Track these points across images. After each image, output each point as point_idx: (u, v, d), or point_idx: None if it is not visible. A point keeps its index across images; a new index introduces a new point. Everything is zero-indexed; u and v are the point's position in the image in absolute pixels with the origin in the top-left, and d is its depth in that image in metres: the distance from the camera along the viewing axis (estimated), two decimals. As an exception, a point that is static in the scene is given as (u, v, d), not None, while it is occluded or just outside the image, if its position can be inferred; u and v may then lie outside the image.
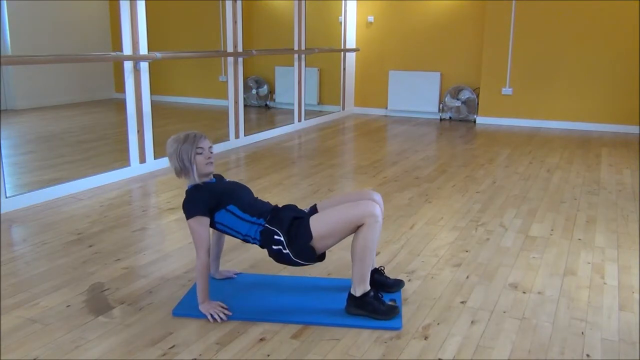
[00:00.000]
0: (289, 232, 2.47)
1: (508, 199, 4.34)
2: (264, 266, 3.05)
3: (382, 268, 2.76)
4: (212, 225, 2.56)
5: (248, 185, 2.85)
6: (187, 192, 2.58)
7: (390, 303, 2.58)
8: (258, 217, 2.53)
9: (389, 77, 8.63)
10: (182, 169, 2.55)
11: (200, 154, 2.54)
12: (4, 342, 2.29)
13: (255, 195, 2.70)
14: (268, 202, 2.66)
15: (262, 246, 2.55)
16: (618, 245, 3.40)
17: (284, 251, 2.47)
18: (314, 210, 2.62)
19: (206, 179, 2.61)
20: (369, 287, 2.50)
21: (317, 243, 2.45)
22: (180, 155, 2.52)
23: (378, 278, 2.70)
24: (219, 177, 2.72)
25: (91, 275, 2.93)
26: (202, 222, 2.48)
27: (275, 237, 2.47)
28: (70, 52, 7.65)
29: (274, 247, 2.49)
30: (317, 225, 2.44)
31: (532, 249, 3.33)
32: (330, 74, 8.60)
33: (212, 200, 2.51)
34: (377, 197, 2.62)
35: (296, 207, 2.66)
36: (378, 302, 2.48)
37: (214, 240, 2.79)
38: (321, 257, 2.54)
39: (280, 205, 2.65)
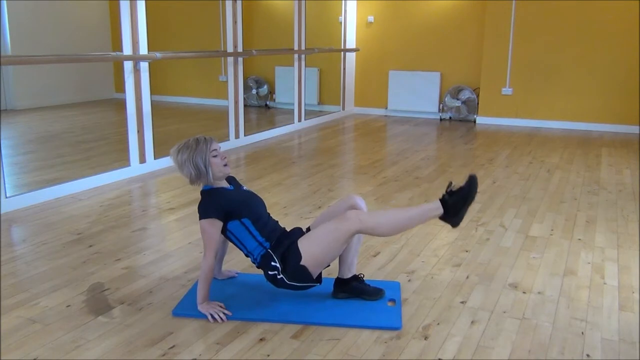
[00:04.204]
0: (282, 257, 2.49)
1: (508, 199, 4.34)
2: (264, 266, 3.05)
3: (362, 275, 2.69)
4: (223, 231, 2.56)
5: (248, 186, 2.85)
6: (202, 193, 2.57)
7: (389, 304, 2.59)
8: (266, 239, 2.54)
9: (389, 77, 8.63)
10: (197, 175, 2.52)
11: (216, 156, 2.53)
12: (4, 342, 2.29)
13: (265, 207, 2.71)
14: (277, 223, 2.66)
15: (258, 267, 2.58)
16: (618, 245, 3.40)
17: (278, 276, 2.49)
18: (308, 232, 2.64)
19: (222, 183, 2.61)
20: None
21: (309, 262, 2.46)
22: (195, 160, 2.49)
23: (357, 286, 2.64)
24: (235, 182, 2.72)
25: (91, 275, 2.93)
26: (214, 225, 2.47)
27: (272, 263, 2.49)
28: (70, 52, 7.65)
29: (270, 272, 2.51)
30: (306, 245, 2.47)
31: (532, 249, 3.33)
32: (330, 74, 8.60)
33: (229, 207, 2.51)
34: (359, 200, 2.62)
35: (300, 230, 2.65)
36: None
37: (219, 243, 2.79)
38: (318, 279, 2.54)
39: (288, 230, 2.67)
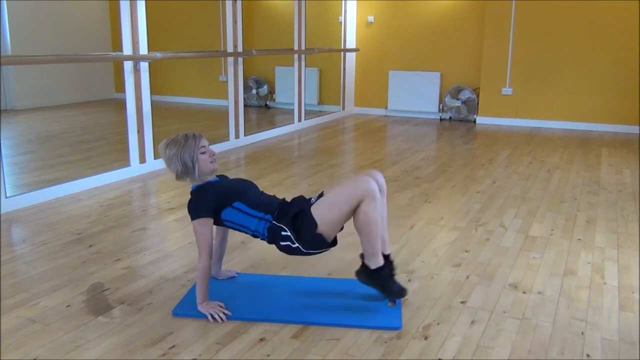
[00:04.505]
0: (293, 226, 2.47)
1: (508, 199, 4.34)
2: (264, 266, 3.05)
3: (392, 259, 2.63)
4: (221, 223, 2.56)
5: (248, 185, 2.83)
6: (191, 193, 2.58)
7: (389, 304, 2.58)
8: (265, 213, 2.53)
9: (389, 77, 8.63)
10: (184, 171, 2.53)
11: (204, 153, 2.54)
12: (4, 342, 2.29)
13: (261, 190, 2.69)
14: (274, 196, 2.65)
15: (269, 242, 2.55)
16: (618, 245, 3.40)
17: (293, 245, 2.47)
18: (320, 197, 2.59)
19: (210, 178, 2.61)
20: (382, 262, 2.51)
21: (324, 229, 2.45)
22: (183, 156, 2.50)
23: (384, 276, 2.56)
24: (222, 177, 2.72)
25: (91, 275, 2.93)
26: (206, 224, 2.48)
27: (283, 233, 2.48)
28: (70, 52, 7.65)
29: (282, 242, 2.49)
30: (320, 212, 2.45)
31: (532, 249, 3.33)
32: (330, 74, 8.60)
33: (217, 199, 2.51)
34: (377, 174, 2.59)
35: (304, 198, 2.63)
36: (390, 281, 2.54)
37: (217, 242, 2.79)
38: (333, 242, 2.54)
39: (288, 199, 2.64)
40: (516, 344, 2.30)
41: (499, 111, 8.01)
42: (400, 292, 2.56)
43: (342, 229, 2.54)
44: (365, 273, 2.56)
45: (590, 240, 3.48)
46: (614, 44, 7.27)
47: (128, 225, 3.71)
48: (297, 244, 2.47)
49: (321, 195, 2.60)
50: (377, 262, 2.51)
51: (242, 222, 2.54)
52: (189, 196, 2.58)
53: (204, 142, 2.56)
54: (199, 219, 2.47)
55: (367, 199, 2.39)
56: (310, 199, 2.60)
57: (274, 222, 2.51)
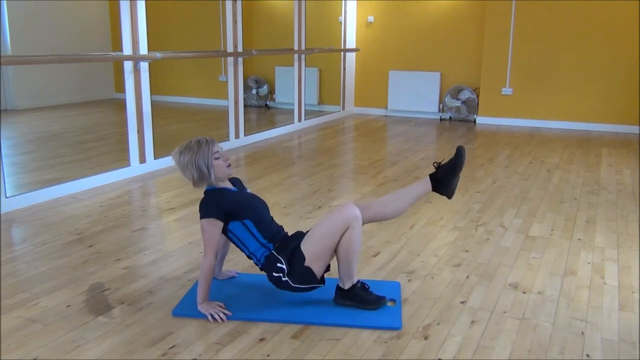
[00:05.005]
0: (290, 260, 2.49)
1: (508, 199, 4.34)
2: (264, 266, 3.05)
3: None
4: (224, 232, 2.56)
5: (248, 185, 2.85)
6: (206, 192, 2.57)
7: (389, 304, 2.59)
8: (269, 241, 2.54)
9: (389, 77, 8.63)
10: (200, 177, 2.52)
11: (218, 158, 2.53)
12: (4, 342, 2.29)
13: (270, 212, 2.70)
14: (281, 227, 2.66)
15: (262, 269, 2.57)
16: (618, 245, 3.40)
17: (283, 279, 2.49)
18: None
19: (225, 184, 2.61)
20: (356, 279, 2.56)
21: (313, 262, 2.46)
22: (198, 163, 2.49)
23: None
24: (239, 184, 2.72)
25: (91, 275, 2.93)
26: (215, 225, 2.47)
27: (279, 264, 2.49)
28: (70, 52, 7.65)
29: (275, 274, 2.50)
30: (307, 245, 2.47)
31: (532, 249, 3.33)
32: (330, 74, 8.60)
33: (231, 208, 2.51)
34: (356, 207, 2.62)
35: (302, 234, 2.64)
36: (365, 293, 2.56)
37: (220, 243, 2.79)
38: (321, 280, 2.54)
39: (290, 234, 2.66)
40: (516, 344, 2.30)
41: (499, 111, 8.01)
42: (378, 300, 2.56)
43: (328, 268, 2.56)
44: (341, 296, 2.58)
45: (590, 240, 3.48)
46: (614, 44, 7.28)
47: (128, 225, 3.71)
48: (286, 278, 2.49)
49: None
50: (351, 281, 2.54)
51: (245, 241, 2.55)
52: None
53: (217, 147, 2.55)
54: (209, 218, 2.47)
55: (353, 226, 2.43)
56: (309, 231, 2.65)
57: (273, 252, 2.52)
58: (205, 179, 2.53)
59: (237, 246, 2.59)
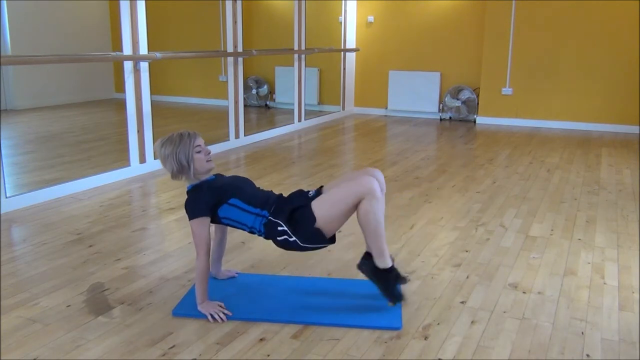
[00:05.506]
0: (290, 221, 2.47)
1: (508, 199, 4.34)
2: (264, 266, 3.05)
3: (407, 277, 2.65)
4: (218, 221, 2.56)
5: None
6: (187, 192, 2.58)
7: (389, 303, 2.59)
8: (262, 209, 2.53)
9: (389, 77, 8.63)
10: (179, 170, 2.53)
11: (199, 152, 2.54)
12: (4, 342, 2.29)
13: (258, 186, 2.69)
14: (271, 192, 2.65)
15: (266, 237, 2.56)
16: (618, 245, 3.40)
17: (290, 239, 2.47)
18: (319, 192, 2.60)
19: (205, 177, 2.61)
20: (390, 264, 2.52)
21: (324, 225, 2.45)
22: (178, 156, 2.50)
23: (389, 278, 2.56)
24: (218, 175, 2.72)
25: (91, 275, 2.93)
26: (203, 223, 2.48)
27: (279, 228, 2.48)
28: (70, 52, 7.64)
29: (279, 237, 2.49)
30: (319, 207, 2.45)
31: (532, 249, 3.33)
32: (330, 74, 8.60)
33: (213, 197, 2.51)
34: (378, 173, 2.60)
35: (302, 192, 2.63)
36: (394, 284, 2.54)
37: (216, 242, 2.79)
38: (332, 239, 2.53)
39: (285, 195, 2.64)
40: (516, 344, 2.30)
41: (499, 111, 8.01)
42: (399, 297, 2.57)
43: (339, 230, 2.54)
44: (370, 268, 2.54)
45: (590, 240, 3.48)
46: (614, 44, 7.27)
47: (128, 225, 3.71)
48: (294, 238, 2.47)
49: (320, 189, 2.62)
50: (385, 262, 2.51)
51: (239, 219, 2.54)
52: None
53: (200, 140, 2.56)
54: (196, 218, 2.47)
55: (367, 196, 2.39)
56: (309, 192, 2.61)
57: (270, 217, 2.51)
58: (185, 172, 2.54)
59: (237, 227, 2.57)
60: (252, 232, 2.57)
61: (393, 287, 2.55)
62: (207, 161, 2.56)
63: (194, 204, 2.50)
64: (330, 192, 2.50)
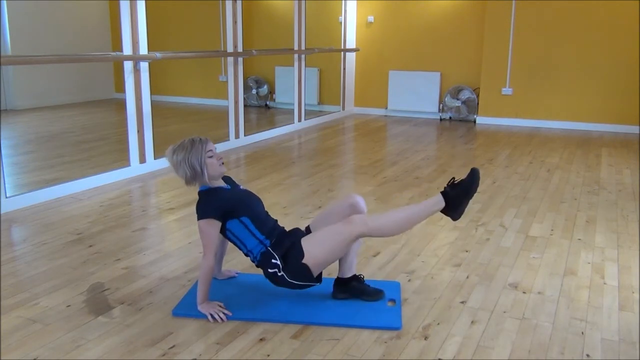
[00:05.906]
0: (284, 257, 2.50)
1: (508, 199, 4.34)
2: (264, 266, 3.05)
3: (362, 276, 2.69)
4: (222, 231, 2.56)
5: (248, 186, 2.85)
6: (200, 193, 2.57)
7: (389, 304, 2.59)
8: (266, 237, 2.55)
9: (389, 77, 8.63)
10: (193, 176, 2.53)
11: (211, 157, 2.54)
12: (4, 342, 2.29)
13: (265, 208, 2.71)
14: (277, 222, 2.67)
15: (258, 266, 2.58)
16: (618, 245, 3.40)
17: (279, 274, 2.49)
18: (307, 231, 2.65)
19: (219, 183, 2.61)
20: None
21: (312, 263, 2.47)
22: (191, 161, 2.50)
23: (357, 286, 2.65)
24: (231, 182, 2.72)
25: (91, 275, 2.93)
26: (213, 225, 2.48)
27: (273, 260, 2.50)
28: (70, 52, 7.65)
29: (270, 270, 2.51)
30: (309, 245, 2.47)
31: (532, 249, 3.33)
32: (330, 74, 8.60)
33: (227, 207, 2.51)
34: (359, 199, 2.63)
35: (299, 230, 2.66)
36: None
37: (217, 243, 2.79)
38: (318, 278, 2.55)
39: (287, 230, 2.67)
40: (516, 344, 2.30)
41: (499, 111, 8.01)
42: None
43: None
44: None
45: (590, 240, 3.48)
46: (614, 44, 7.27)
47: (128, 225, 3.71)
48: (282, 273, 2.49)
49: (307, 228, 2.67)
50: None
51: (242, 239, 2.55)
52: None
53: (211, 145, 2.57)
54: (206, 218, 2.47)
55: (360, 232, 2.46)
56: (307, 227, 2.68)
57: (269, 248, 2.53)
58: (198, 178, 2.54)
59: (235, 244, 2.59)
60: (246, 255, 2.59)
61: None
62: (220, 165, 2.57)
63: (207, 206, 2.50)
64: (321, 231, 2.52)
